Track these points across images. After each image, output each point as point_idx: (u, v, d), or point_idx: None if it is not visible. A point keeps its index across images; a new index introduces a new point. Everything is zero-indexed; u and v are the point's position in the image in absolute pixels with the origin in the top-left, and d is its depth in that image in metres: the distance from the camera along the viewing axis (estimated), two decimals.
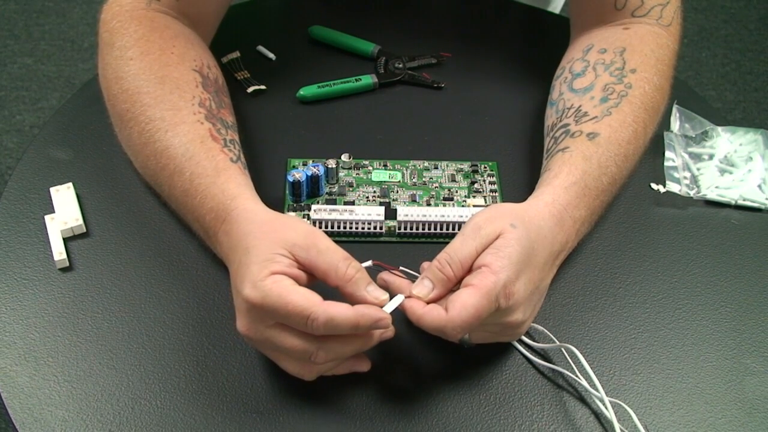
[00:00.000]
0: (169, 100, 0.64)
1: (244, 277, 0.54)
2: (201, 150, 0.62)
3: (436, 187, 0.72)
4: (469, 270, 0.55)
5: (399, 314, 0.56)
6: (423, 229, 0.67)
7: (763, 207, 0.72)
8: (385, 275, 0.57)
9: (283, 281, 0.53)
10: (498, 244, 0.55)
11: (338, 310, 0.52)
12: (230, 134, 0.65)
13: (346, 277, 0.54)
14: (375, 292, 0.54)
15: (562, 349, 0.60)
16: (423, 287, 0.56)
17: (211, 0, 0.74)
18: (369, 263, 0.58)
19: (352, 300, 0.54)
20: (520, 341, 0.61)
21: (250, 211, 0.58)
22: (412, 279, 0.57)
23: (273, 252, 0.54)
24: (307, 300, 0.52)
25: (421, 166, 0.73)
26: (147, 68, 0.65)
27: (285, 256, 0.54)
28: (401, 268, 0.59)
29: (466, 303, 0.52)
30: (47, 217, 0.67)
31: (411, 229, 0.67)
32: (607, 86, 0.68)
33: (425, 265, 0.58)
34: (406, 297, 0.55)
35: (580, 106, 0.68)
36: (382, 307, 0.54)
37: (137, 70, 0.65)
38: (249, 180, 0.63)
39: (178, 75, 0.66)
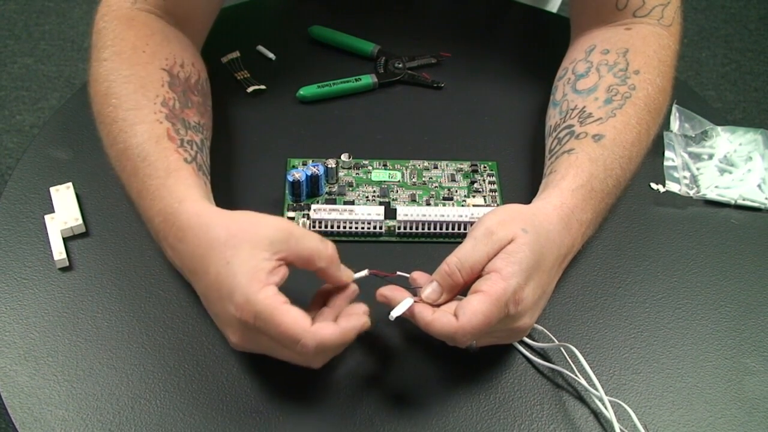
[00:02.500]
0: (133, 99, 0.63)
1: (231, 290, 0.52)
2: (155, 150, 0.60)
3: (435, 187, 0.72)
4: (479, 274, 0.55)
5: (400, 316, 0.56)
6: (423, 228, 0.67)
7: (762, 207, 0.72)
8: (385, 291, 0.56)
9: (274, 297, 0.52)
10: (509, 249, 0.54)
11: (327, 333, 0.52)
12: (190, 135, 0.63)
13: (330, 258, 0.55)
14: (347, 273, 0.57)
15: (562, 349, 0.60)
16: (432, 292, 0.55)
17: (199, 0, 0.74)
18: (365, 273, 0.58)
19: (330, 281, 0.56)
20: (520, 341, 0.61)
21: (201, 214, 0.56)
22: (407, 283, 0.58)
23: (256, 258, 0.52)
24: (297, 325, 0.51)
25: (421, 166, 0.73)
26: (116, 68, 0.65)
27: (267, 259, 0.53)
28: (398, 273, 0.59)
29: (476, 310, 0.52)
30: (47, 217, 0.67)
31: (411, 228, 0.67)
32: (611, 87, 0.68)
33: (415, 275, 0.58)
34: (415, 301, 0.55)
35: (584, 108, 0.68)
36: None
37: (107, 71, 0.65)
38: (201, 181, 0.61)
39: (144, 74, 0.65)
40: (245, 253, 0.53)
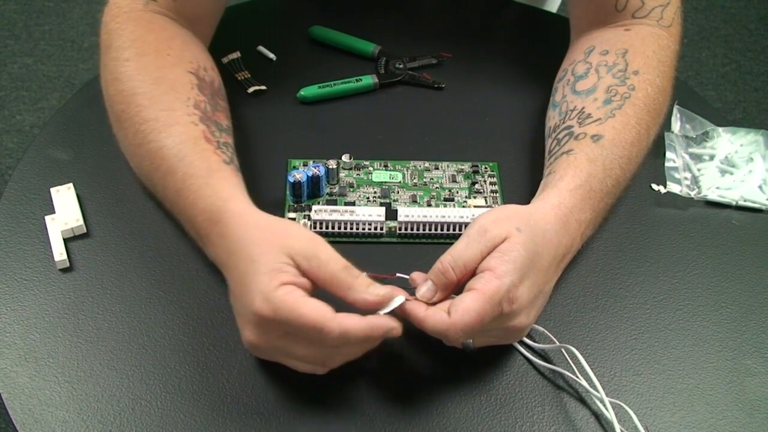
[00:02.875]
0: (164, 100, 0.64)
1: (252, 287, 0.53)
2: (194, 151, 0.61)
3: (436, 188, 0.71)
4: (473, 273, 0.55)
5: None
6: (424, 229, 0.67)
7: (763, 208, 0.72)
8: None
9: (294, 292, 0.52)
10: (503, 248, 0.54)
11: (352, 323, 0.52)
12: (224, 137, 0.64)
13: (346, 286, 0.54)
14: (375, 290, 0.54)
15: (563, 350, 0.60)
16: (427, 290, 0.56)
17: (208, 0, 0.74)
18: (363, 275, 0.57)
19: (353, 305, 0.54)
20: (521, 342, 0.61)
21: (244, 214, 0.57)
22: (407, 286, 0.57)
23: (279, 261, 0.53)
24: (320, 313, 0.51)
25: (422, 167, 0.73)
26: (142, 69, 0.65)
27: (290, 264, 0.53)
28: (398, 274, 0.59)
29: (468, 307, 0.52)
30: (47, 218, 0.67)
31: (412, 229, 0.67)
32: (610, 88, 0.68)
33: (414, 275, 0.58)
34: (407, 299, 0.55)
35: (583, 108, 0.68)
36: (384, 302, 0.54)
37: (132, 71, 0.65)
38: (242, 182, 0.62)
39: (173, 77, 0.65)
40: (270, 255, 0.53)
